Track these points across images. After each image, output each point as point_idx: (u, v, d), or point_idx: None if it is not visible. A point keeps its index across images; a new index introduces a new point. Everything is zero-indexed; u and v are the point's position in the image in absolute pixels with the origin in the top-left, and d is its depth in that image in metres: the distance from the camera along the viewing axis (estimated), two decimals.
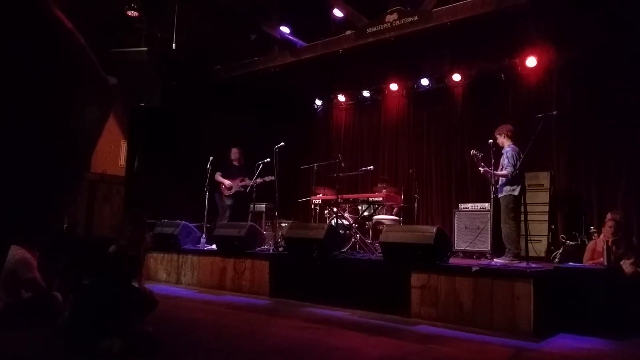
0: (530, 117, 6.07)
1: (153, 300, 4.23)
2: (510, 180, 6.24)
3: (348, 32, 8.28)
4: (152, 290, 4.50)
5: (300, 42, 8.88)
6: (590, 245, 6.30)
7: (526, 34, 7.60)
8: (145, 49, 8.03)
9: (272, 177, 8.13)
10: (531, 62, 8.36)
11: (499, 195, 6.32)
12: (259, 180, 8.36)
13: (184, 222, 8.03)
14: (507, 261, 6.00)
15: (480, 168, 6.36)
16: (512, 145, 6.42)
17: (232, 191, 8.67)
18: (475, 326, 4.90)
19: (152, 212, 8.87)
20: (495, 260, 6.11)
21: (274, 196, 7.71)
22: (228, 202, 8.74)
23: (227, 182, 8.68)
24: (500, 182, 6.31)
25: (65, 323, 3.68)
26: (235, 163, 8.84)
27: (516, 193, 6.23)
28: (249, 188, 8.39)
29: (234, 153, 8.89)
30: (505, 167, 6.31)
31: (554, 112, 6.26)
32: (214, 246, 7.69)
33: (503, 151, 6.47)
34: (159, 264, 8.10)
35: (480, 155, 6.29)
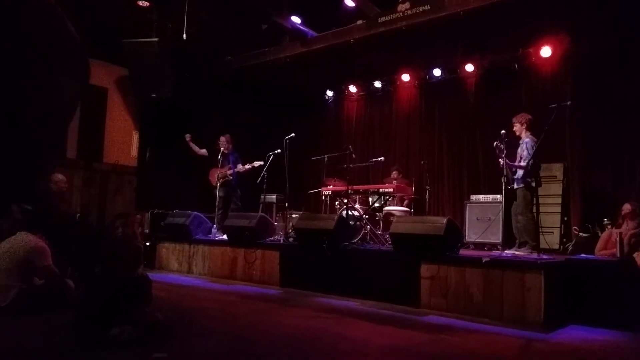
0: (544, 108, 5.97)
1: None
2: (529, 172, 6.11)
3: (359, 22, 8.22)
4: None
5: (311, 32, 8.84)
6: (604, 235, 6.24)
7: (541, 23, 7.49)
8: (156, 39, 8.07)
9: (260, 162, 8.11)
10: (546, 52, 8.23)
11: (516, 187, 6.21)
12: (247, 166, 8.34)
13: (195, 212, 8.08)
14: (526, 253, 5.90)
15: (500, 160, 6.18)
16: (531, 136, 6.29)
17: (220, 180, 8.38)
18: (485, 317, 4.88)
19: (163, 203, 8.97)
20: (506, 251, 6.06)
21: (284, 187, 7.72)
22: (217, 192, 8.41)
23: (200, 150, 8.67)
24: (517, 174, 6.21)
25: (76, 311, 3.72)
26: (225, 151, 8.51)
27: (534, 184, 6.13)
28: (234, 175, 8.36)
29: (222, 140, 8.55)
30: (525, 158, 6.17)
31: (568, 102, 6.16)
32: (225, 236, 7.73)
33: (521, 141, 6.35)
34: (170, 253, 8.17)
35: (502, 147, 6.12)
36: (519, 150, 6.30)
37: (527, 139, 6.27)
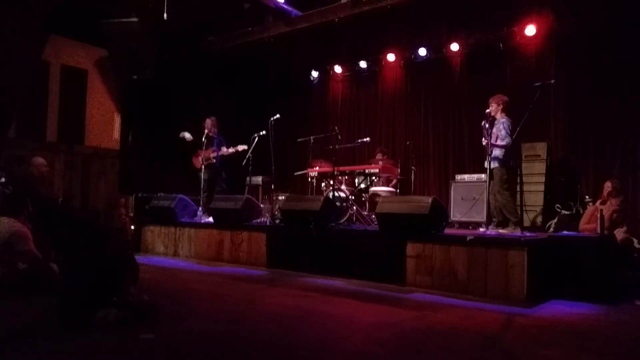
0: (529, 87, 6.00)
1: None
2: (506, 152, 6.21)
3: (344, 1, 8.13)
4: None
5: (295, 11, 8.72)
6: (589, 210, 6.36)
7: (525, 1, 7.47)
8: (136, 19, 7.89)
9: (244, 146, 8.06)
10: (530, 30, 8.23)
11: (492, 167, 6.28)
12: (231, 149, 8.28)
13: (180, 195, 8.03)
14: (510, 231, 5.99)
15: (484, 140, 6.28)
16: (506, 117, 6.38)
17: (204, 163, 8.26)
18: (470, 294, 4.95)
19: (147, 186, 8.89)
20: (489, 230, 6.13)
21: (270, 169, 7.69)
22: (202, 175, 8.26)
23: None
24: (494, 153, 6.28)
25: (60, 294, 3.70)
26: (210, 134, 8.39)
27: (510, 164, 6.22)
28: (218, 158, 8.30)
29: (208, 123, 8.44)
30: (503, 138, 6.26)
31: (552, 81, 6.20)
32: (210, 219, 7.71)
33: (496, 122, 6.42)
34: (156, 237, 8.14)
35: (488, 126, 6.20)
36: (494, 130, 6.36)
37: (503, 119, 6.36)
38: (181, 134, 8.50)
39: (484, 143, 6.31)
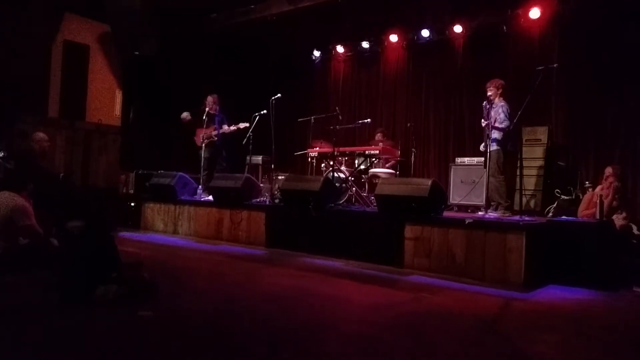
0: (531, 70, 5.96)
1: None
2: (505, 135, 6.21)
3: None
4: None
5: None
6: (587, 195, 6.36)
7: None
8: None
9: (245, 124, 8.00)
10: (534, 13, 8.14)
11: (490, 149, 6.29)
12: (232, 127, 8.22)
13: (180, 173, 8.04)
14: (499, 214, 6.03)
15: (483, 121, 6.31)
16: (504, 102, 6.37)
17: (205, 141, 8.24)
18: (467, 277, 4.99)
19: (148, 163, 8.89)
20: (489, 213, 6.15)
21: (270, 149, 7.68)
22: (202, 153, 8.23)
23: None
24: (492, 137, 6.28)
25: (61, 270, 3.72)
26: (211, 111, 8.29)
27: (508, 148, 6.23)
28: (219, 136, 8.23)
29: (209, 101, 8.33)
30: (502, 121, 6.25)
31: (555, 65, 6.16)
32: (210, 197, 7.72)
33: (494, 105, 6.39)
34: (155, 214, 8.16)
35: (489, 107, 6.25)
36: (493, 113, 6.35)
37: (501, 103, 6.35)
38: (182, 115, 8.40)
39: (483, 124, 6.33)
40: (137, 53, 8.53)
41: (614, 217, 5.81)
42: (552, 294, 4.62)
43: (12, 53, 6.28)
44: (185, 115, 8.38)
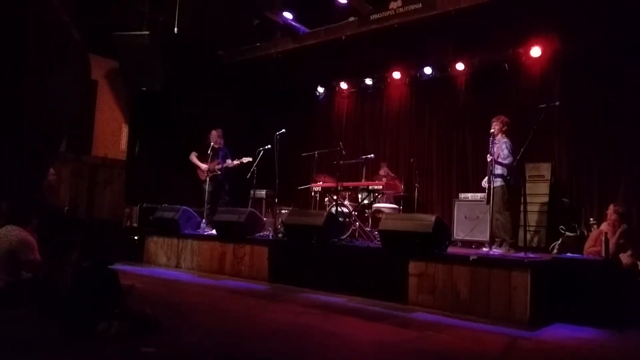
0: (533, 107, 6.05)
1: None
2: (507, 171, 6.27)
3: (351, 19, 8.23)
4: None
5: (302, 28, 8.84)
6: (594, 232, 6.33)
7: (531, 23, 7.54)
8: (147, 32, 8.00)
9: (249, 159, 8.07)
10: (535, 52, 8.30)
11: (493, 185, 6.32)
12: (236, 162, 8.27)
13: (184, 207, 8.06)
14: (503, 251, 6.01)
15: (489, 156, 6.40)
16: (507, 138, 6.45)
17: (208, 175, 8.27)
18: (472, 314, 4.93)
19: (152, 197, 8.93)
20: (493, 250, 6.13)
21: (274, 183, 7.72)
22: (206, 187, 8.27)
23: (202, 165, 8.34)
24: (495, 172, 6.32)
25: (63, 305, 3.70)
26: (215, 145, 8.36)
27: (510, 183, 6.27)
28: (222, 170, 8.29)
29: (213, 135, 8.43)
30: (505, 157, 6.32)
31: (557, 103, 6.25)
32: (213, 231, 7.72)
33: (497, 141, 6.48)
34: (159, 248, 8.15)
35: (492, 144, 6.36)
36: (496, 149, 6.42)
37: (504, 139, 6.45)
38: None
39: (488, 159, 6.39)
40: (144, 89, 8.68)
41: (620, 255, 5.77)
42: (558, 332, 4.55)
43: None
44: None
